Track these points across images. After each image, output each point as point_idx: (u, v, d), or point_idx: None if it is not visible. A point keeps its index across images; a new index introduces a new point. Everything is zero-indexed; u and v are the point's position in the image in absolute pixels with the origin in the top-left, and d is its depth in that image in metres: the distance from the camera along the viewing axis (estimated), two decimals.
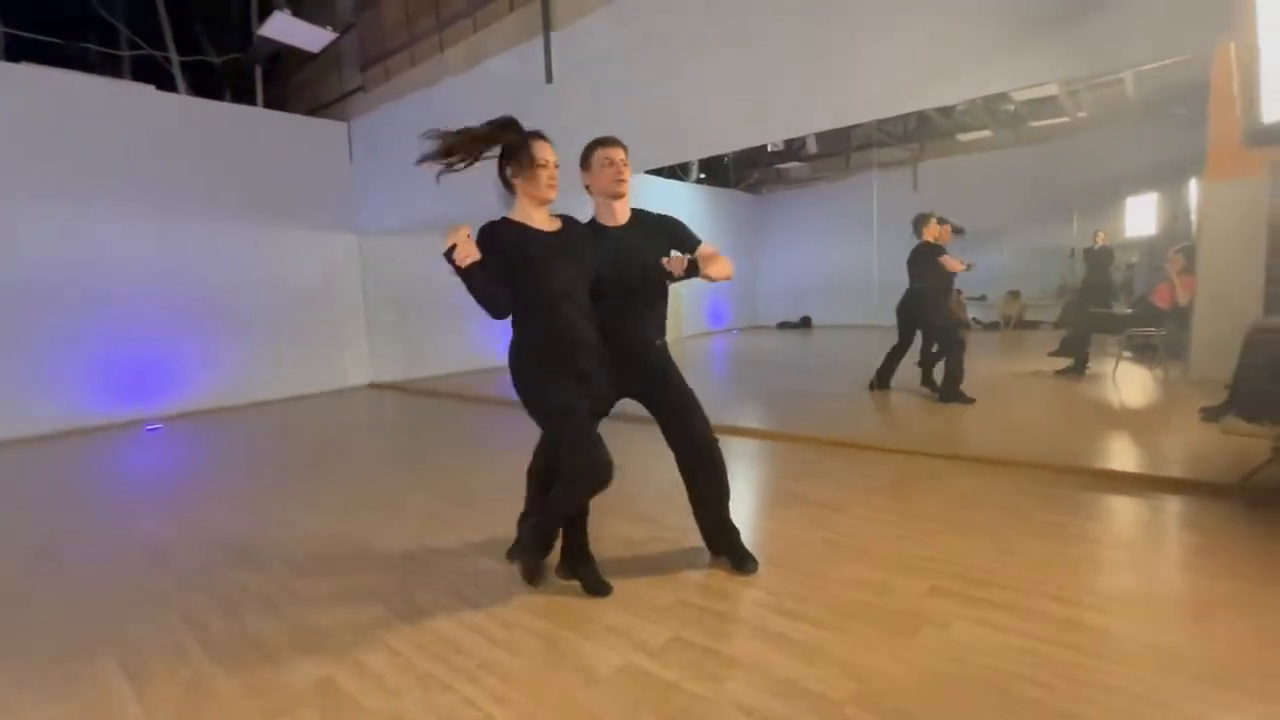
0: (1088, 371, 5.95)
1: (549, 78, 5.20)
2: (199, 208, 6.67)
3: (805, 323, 13.80)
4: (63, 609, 2.36)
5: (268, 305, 7.19)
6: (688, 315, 12.78)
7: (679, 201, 12.60)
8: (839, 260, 13.25)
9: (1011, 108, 9.28)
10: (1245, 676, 1.65)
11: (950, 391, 4.99)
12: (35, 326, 5.72)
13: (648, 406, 2.33)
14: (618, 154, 2.31)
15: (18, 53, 6.20)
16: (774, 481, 3.49)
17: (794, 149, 11.78)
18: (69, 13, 6.71)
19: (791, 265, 14.27)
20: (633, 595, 2.23)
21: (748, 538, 2.54)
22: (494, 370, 8.93)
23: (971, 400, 4.96)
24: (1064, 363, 6.12)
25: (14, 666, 1.99)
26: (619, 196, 2.31)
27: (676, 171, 12.56)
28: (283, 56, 7.85)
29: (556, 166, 2.16)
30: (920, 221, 5.22)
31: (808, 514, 2.94)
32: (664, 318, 2.37)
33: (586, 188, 2.38)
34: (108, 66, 6.82)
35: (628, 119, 4.91)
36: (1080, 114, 9.25)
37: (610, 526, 2.89)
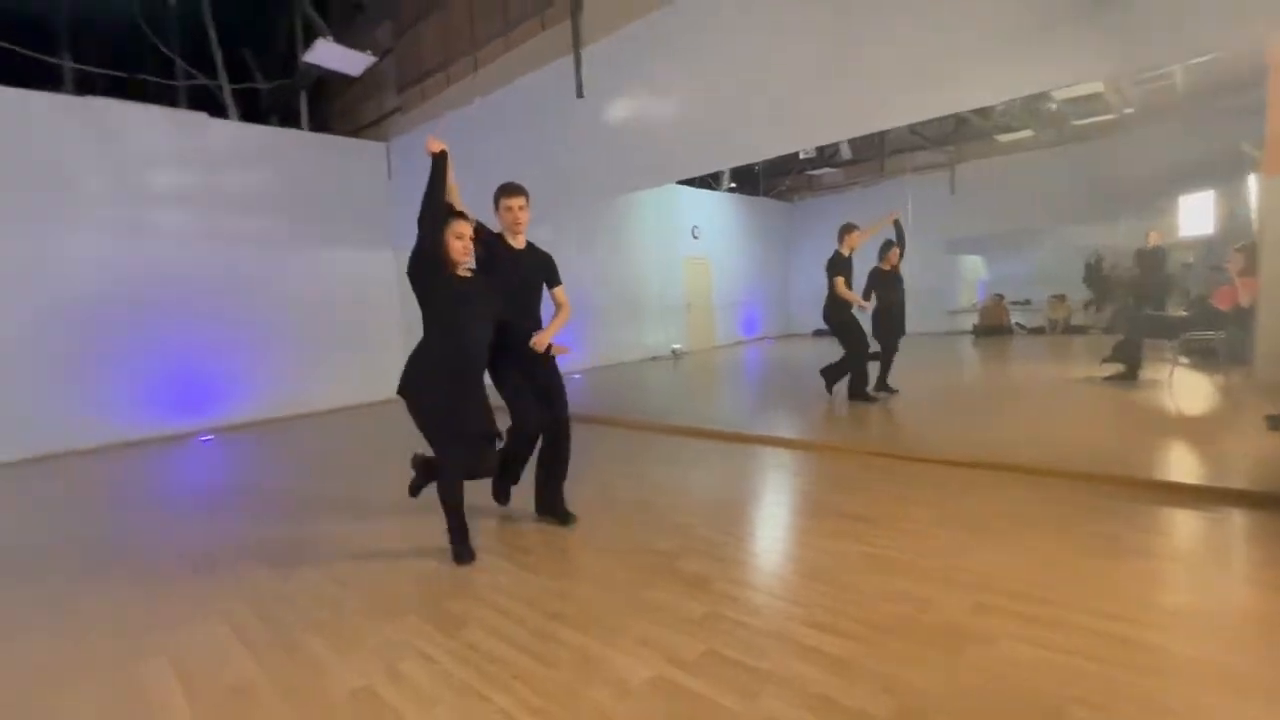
0: (1141, 377, 5.70)
1: (580, 93, 5.28)
2: (249, 227, 6.95)
3: None
4: (117, 610, 2.46)
5: (311, 319, 7.43)
6: (721, 325, 12.73)
7: (710, 210, 12.61)
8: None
9: (1053, 106, 9.02)
10: None
11: (854, 390, 5.61)
12: (94, 343, 6.02)
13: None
14: (515, 201, 3.00)
15: (86, 87, 6.58)
16: (809, 493, 3.43)
17: (826, 155, 11.68)
18: (130, 48, 7.11)
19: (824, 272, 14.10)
20: (665, 608, 2.21)
21: (783, 550, 2.50)
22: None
23: (888, 392, 5.72)
24: (1115, 369, 5.88)
25: (72, 664, 2.08)
26: (516, 234, 3.04)
27: (708, 181, 12.57)
28: (326, 81, 8.16)
29: (474, 240, 2.77)
30: (841, 231, 5.73)
31: (844, 527, 2.87)
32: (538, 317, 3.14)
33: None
34: (165, 96, 7.18)
35: (658, 130, 4.94)
36: (1127, 110, 8.93)
37: (642, 537, 2.87)
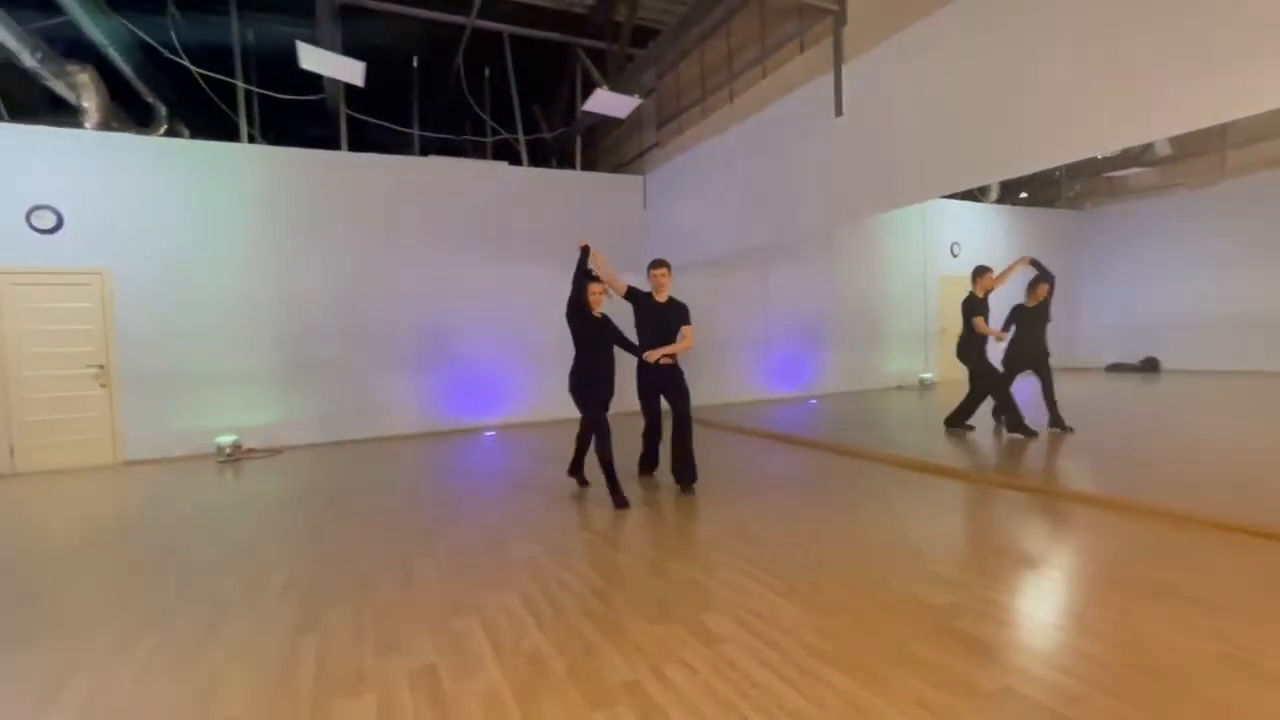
0: None
1: (839, 110, 5.16)
2: (530, 256, 8.09)
3: (1150, 365, 11.11)
4: (440, 575, 3.01)
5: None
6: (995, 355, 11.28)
7: (973, 224, 11.31)
8: (1201, 288, 10.45)
9: None
10: None
11: (954, 419, 6.17)
12: (409, 352, 7.52)
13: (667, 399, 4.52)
14: (659, 272, 4.51)
15: (427, 148, 8.35)
16: (1129, 564, 2.83)
17: (1133, 153, 9.72)
18: (454, 115, 8.87)
19: (1128, 294, 11.66)
20: (943, 670, 2.00)
21: (1097, 629, 2.09)
22: (758, 403, 9.00)
23: (970, 428, 6.11)
24: None
25: (410, 616, 2.59)
26: (659, 292, 4.51)
27: (974, 194, 11.32)
28: (597, 126, 9.19)
29: (602, 293, 4.33)
30: (975, 274, 6.06)
31: (1185, 613, 2.31)
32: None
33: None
34: (478, 150, 8.77)
35: (919, 143, 4.59)
36: None
37: (902, 584, 2.65)
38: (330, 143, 7.39)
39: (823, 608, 2.48)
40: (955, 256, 11.03)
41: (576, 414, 4.41)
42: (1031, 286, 6.09)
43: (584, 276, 4.27)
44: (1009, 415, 5.85)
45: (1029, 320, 6.05)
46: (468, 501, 4.39)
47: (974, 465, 4.63)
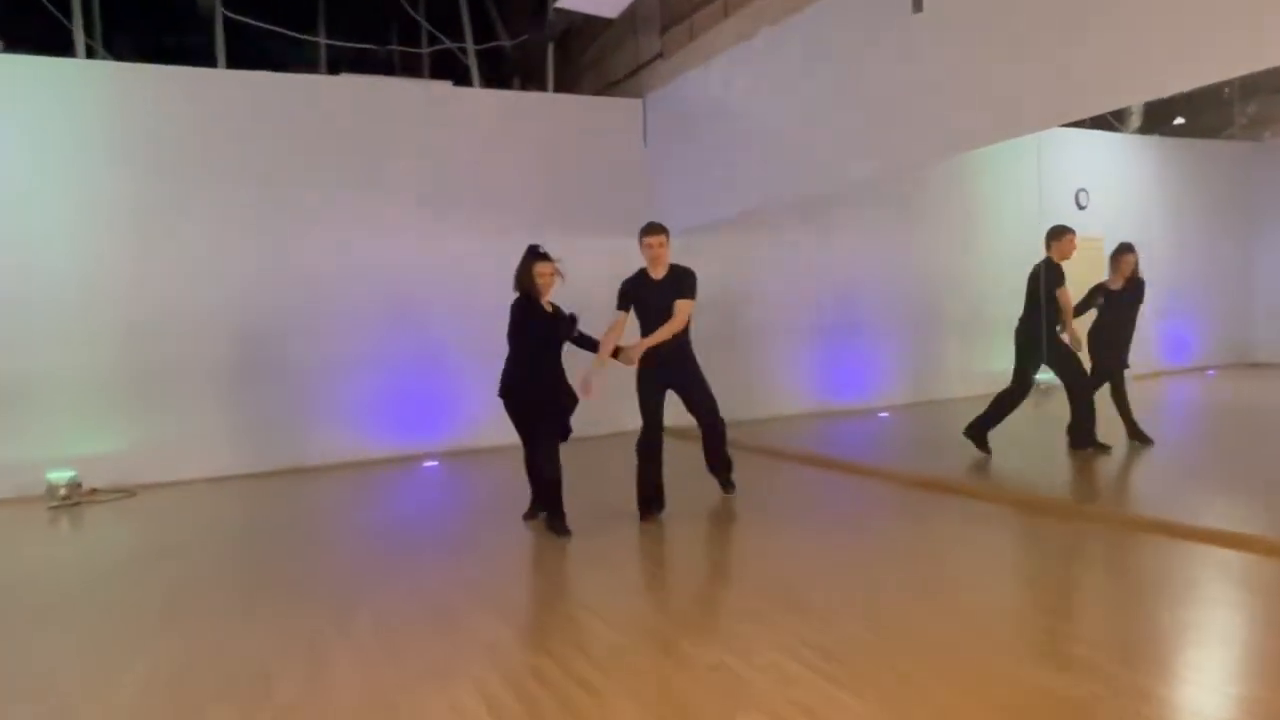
0: None
1: (918, 6, 5.16)
2: (491, 219, 8.03)
3: None
4: (362, 672, 2.98)
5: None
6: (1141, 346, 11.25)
7: (1108, 164, 11.30)
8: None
9: None
10: None
11: (1080, 437, 6.28)
12: (317, 353, 7.51)
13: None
14: (654, 240, 4.83)
15: (338, 63, 8.35)
16: None
17: None
18: (375, 18, 8.87)
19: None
20: None
21: None
22: (807, 416, 8.99)
23: (1105, 447, 6.22)
24: None
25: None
26: (655, 267, 4.90)
27: (1108, 119, 11.28)
28: (574, 32, 9.19)
29: (553, 275, 4.65)
30: (1053, 235, 6.23)
31: None
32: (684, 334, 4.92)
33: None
34: (410, 65, 8.78)
35: (1033, 48, 4.58)
36: None
37: (1011, 668, 2.63)
38: (202, 56, 7.38)
39: (905, 705, 2.46)
40: (1082, 208, 11.03)
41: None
42: (1115, 259, 6.37)
43: (531, 253, 4.58)
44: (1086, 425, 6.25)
45: (1118, 302, 6.39)
46: (401, 557, 4.39)
47: (1107, 499, 4.61)
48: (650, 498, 4.95)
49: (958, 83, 5.05)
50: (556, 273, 4.63)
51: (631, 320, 4.98)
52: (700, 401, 4.92)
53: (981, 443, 6.32)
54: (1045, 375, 10.43)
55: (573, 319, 4.72)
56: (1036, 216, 10.74)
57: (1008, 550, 4.06)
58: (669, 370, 4.81)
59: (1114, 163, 11.42)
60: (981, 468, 5.99)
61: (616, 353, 4.80)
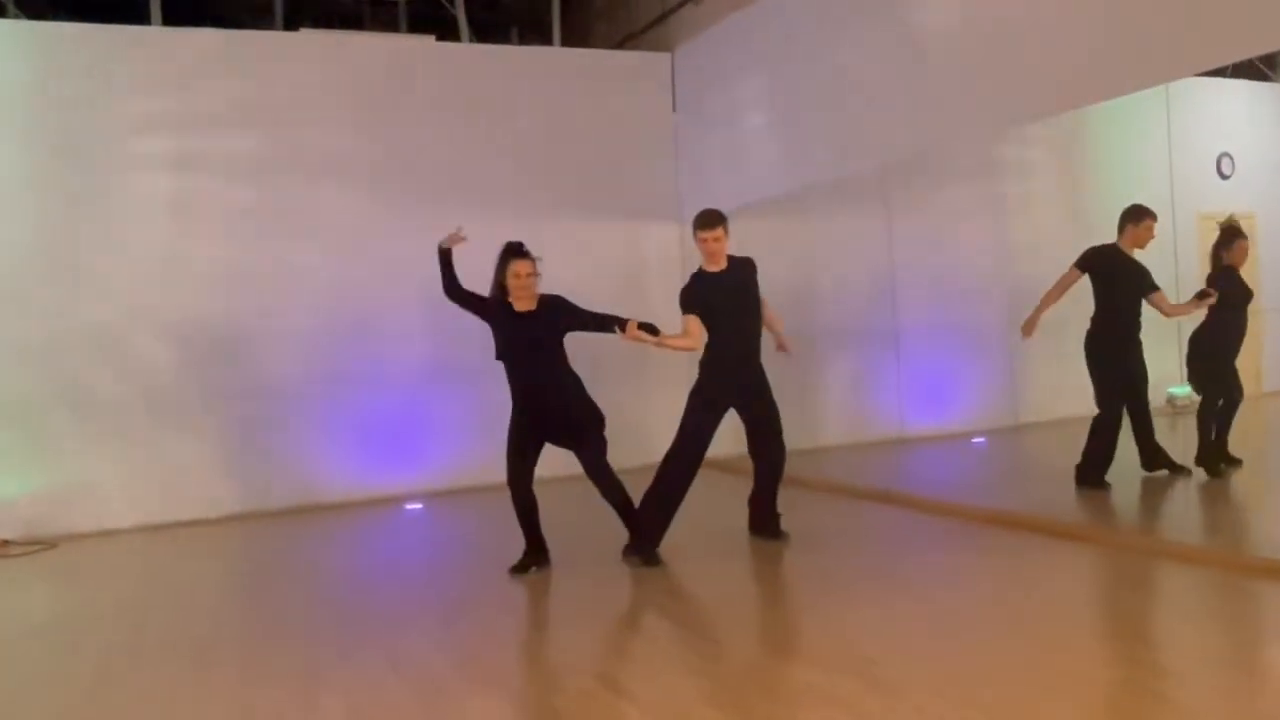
0: None
1: None
2: (488, 204, 8.04)
3: None
4: None
5: None
6: (1277, 349, 11.07)
7: (1258, 122, 11.18)
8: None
9: None
10: None
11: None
12: (279, 371, 7.59)
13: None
14: (710, 234, 4.97)
15: (296, 19, 8.46)
16: None
17: None
18: None
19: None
20: None
21: None
22: (880, 444, 8.93)
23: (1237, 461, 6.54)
24: None
25: None
26: (714, 262, 5.09)
27: (1258, 65, 11.13)
28: None
29: (529, 276, 4.81)
30: (1129, 216, 6.24)
31: None
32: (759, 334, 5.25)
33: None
34: (383, 17, 8.91)
35: None
36: None
37: None
38: (133, 12, 7.49)
39: None
40: (1225, 178, 10.91)
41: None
42: (1228, 243, 6.43)
43: (508, 251, 4.85)
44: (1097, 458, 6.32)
45: (1241, 296, 6.40)
46: (378, 622, 4.40)
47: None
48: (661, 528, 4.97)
49: (1069, 17, 4.99)
50: (535, 273, 4.83)
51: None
52: (771, 426, 5.06)
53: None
54: (1182, 387, 10.36)
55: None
56: (1167, 187, 10.66)
57: (1151, 606, 3.97)
58: (742, 385, 5.01)
59: (1266, 120, 11.32)
60: (1110, 505, 5.92)
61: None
